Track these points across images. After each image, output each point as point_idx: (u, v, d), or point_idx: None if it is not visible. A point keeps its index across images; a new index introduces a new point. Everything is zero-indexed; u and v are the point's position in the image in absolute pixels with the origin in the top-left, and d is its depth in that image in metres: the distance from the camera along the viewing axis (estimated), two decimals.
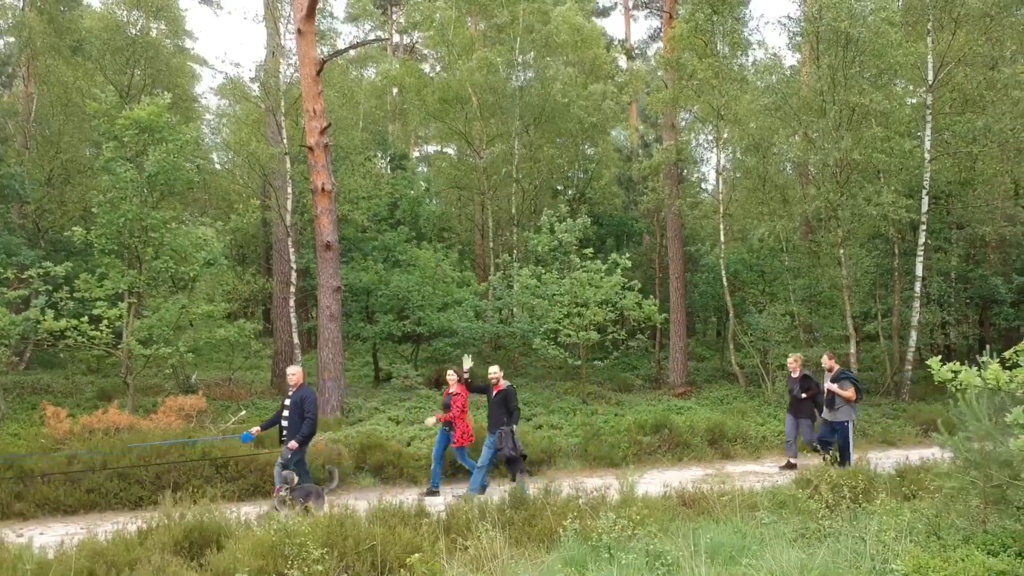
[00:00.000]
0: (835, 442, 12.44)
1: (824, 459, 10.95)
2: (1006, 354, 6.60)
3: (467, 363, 11.80)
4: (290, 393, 10.24)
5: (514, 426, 11.14)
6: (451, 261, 23.80)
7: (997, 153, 20.59)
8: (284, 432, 10.04)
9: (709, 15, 21.73)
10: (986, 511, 6.67)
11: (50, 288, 15.57)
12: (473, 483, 11.18)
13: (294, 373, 10.36)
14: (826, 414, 12.79)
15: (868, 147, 17.82)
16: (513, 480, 11.08)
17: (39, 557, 7.01)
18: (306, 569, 6.05)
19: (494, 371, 11.48)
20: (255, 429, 10.49)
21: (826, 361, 12.83)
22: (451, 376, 11.84)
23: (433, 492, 11.44)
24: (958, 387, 6.39)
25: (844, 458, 11.98)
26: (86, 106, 18.42)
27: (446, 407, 11.62)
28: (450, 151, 38.24)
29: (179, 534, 7.50)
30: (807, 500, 7.99)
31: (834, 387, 12.36)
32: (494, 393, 11.30)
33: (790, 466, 13.14)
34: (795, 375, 13.60)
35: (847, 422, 12.37)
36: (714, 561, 6.36)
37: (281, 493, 9.57)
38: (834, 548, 6.52)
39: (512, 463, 11.13)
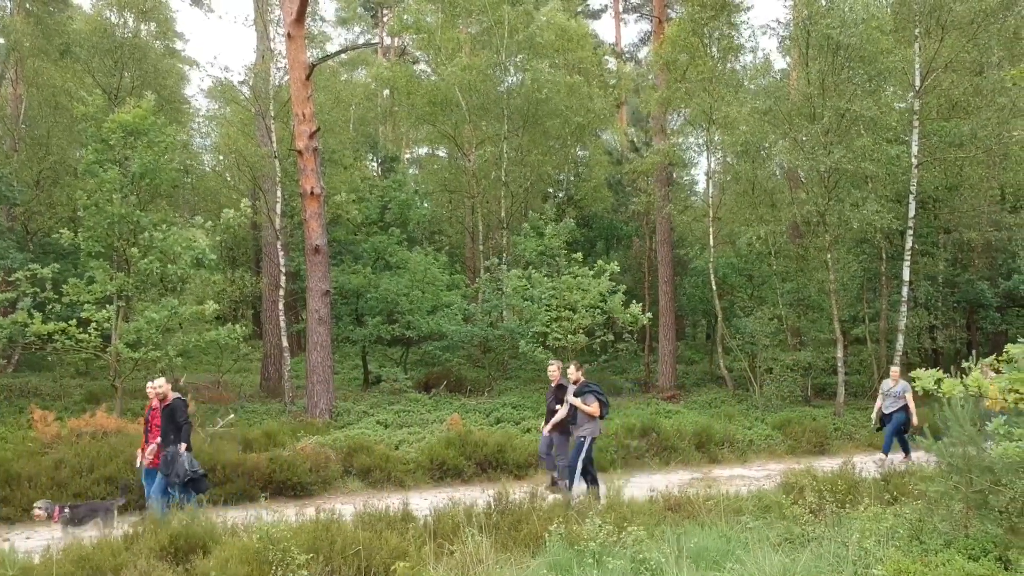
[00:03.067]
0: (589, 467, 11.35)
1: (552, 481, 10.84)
2: (987, 360, 6.67)
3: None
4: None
5: (182, 444, 9.76)
6: (440, 264, 23.80)
7: (983, 159, 20.72)
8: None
9: (708, 18, 21.81)
10: (968, 516, 6.73)
11: (37, 291, 15.51)
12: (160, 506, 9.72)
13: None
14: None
15: (857, 156, 17.91)
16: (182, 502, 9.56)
17: (24, 562, 7.01)
18: (291, 574, 6.07)
19: (159, 383, 10.12)
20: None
21: (572, 372, 11.56)
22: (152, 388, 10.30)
23: None
24: (940, 394, 6.46)
25: (570, 475, 10.96)
26: (74, 109, 18.38)
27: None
28: (441, 154, 38.29)
29: (165, 539, 7.50)
30: (792, 505, 8.03)
31: (576, 401, 11.07)
32: (161, 407, 9.98)
33: (553, 482, 11.59)
34: (555, 384, 12.14)
35: (584, 439, 11.00)
36: (699, 566, 6.40)
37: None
38: (817, 553, 6.57)
39: (194, 484, 9.78)
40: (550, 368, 12.02)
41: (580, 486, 10.83)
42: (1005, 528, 6.34)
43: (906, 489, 8.94)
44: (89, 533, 8.69)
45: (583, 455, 10.86)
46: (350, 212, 22.18)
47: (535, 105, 25.73)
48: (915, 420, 14.06)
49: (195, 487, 9.77)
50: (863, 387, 22.26)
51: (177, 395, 10.10)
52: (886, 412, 14.58)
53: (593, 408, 10.95)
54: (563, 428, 11.56)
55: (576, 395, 11.13)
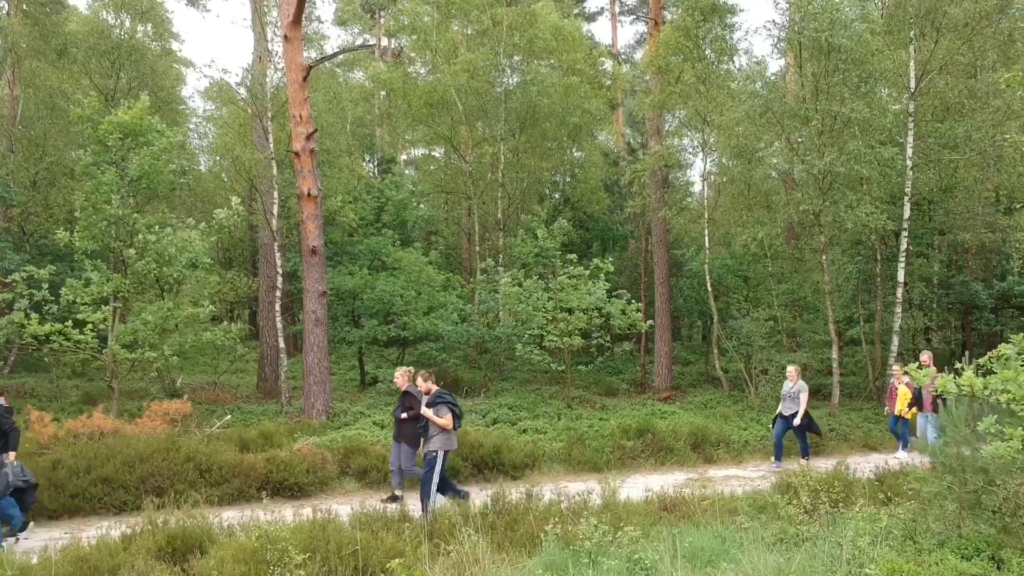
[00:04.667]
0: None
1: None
2: (980, 360, 6.72)
3: None
4: None
5: (10, 453, 9.32)
6: (436, 264, 23.83)
7: (977, 161, 20.78)
8: None
9: (699, 21, 21.88)
10: (961, 516, 6.78)
11: (33, 292, 15.53)
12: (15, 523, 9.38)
13: None
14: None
15: (850, 159, 17.97)
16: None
17: (22, 562, 7.03)
18: (288, 574, 6.11)
19: None
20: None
21: (421, 383, 11.06)
22: None
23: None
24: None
25: (424, 493, 10.25)
26: (70, 111, 18.40)
27: None
28: (437, 155, 38.31)
29: (162, 540, 7.53)
30: (786, 505, 8.08)
31: (428, 412, 10.45)
32: None
33: (393, 499, 11.18)
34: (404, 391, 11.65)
35: (435, 453, 10.34)
36: (693, 565, 6.44)
37: None
38: (811, 553, 6.61)
39: (20, 495, 9.37)
40: (397, 374, 11.58)
41: (441, 500, 10.17)
42: (998, 528, 6.40)
43: (901, 489, 8.99)
44: None
45: (437, 469, 10.23)
46: (347, 216, 22.20)
47: (532, 107, 25.78)
48: (797, 421, 14.22)
49: (22, 498, 9.35)
50: (858, 388, 22.31)
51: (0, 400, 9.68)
52: (785, 415, 14.53)
53: (445, 420, 10.33)
54: (413, 439, 11.23)
55: (428, 406, 10.53)
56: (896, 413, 15.31)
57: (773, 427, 14.89)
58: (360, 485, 12.58)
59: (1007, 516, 6.34)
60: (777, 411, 14.84)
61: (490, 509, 8.93)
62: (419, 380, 11.04)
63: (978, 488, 6.58)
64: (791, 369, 14.88)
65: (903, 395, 15.00)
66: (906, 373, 14.94)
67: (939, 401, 13.84)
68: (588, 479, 12.60)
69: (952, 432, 6.82)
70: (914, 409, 14.83)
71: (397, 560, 6.14)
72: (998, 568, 5.90)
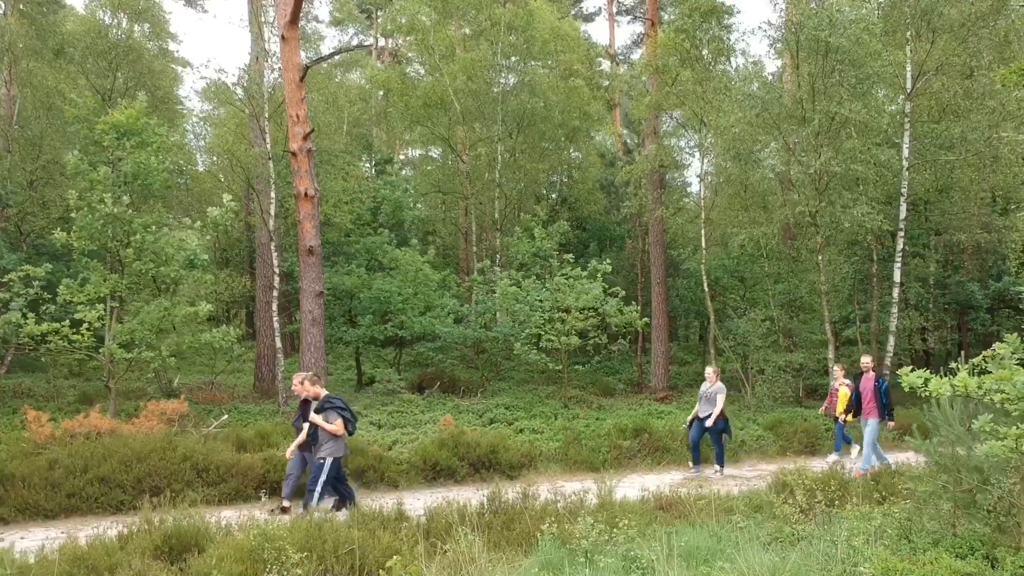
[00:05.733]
0: (341, 487, 10.22)
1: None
2: (974, 360, 6.75)
3: None
4: None
5: None
6: (433, 263, 23.82)
7: (973, 161, 20.85)
8: None
9: (699, 22, 21.91)
10: (956, 515, 6.80)
11: (29, 292, 15.52)
12: None
13: None
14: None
15: (847, 159, 18.01)
16: None
17: (20, 562, 7.03)
18: (285, 573, 6.12)
19: None
20: None
21: (308, 387, 10.43)
22: None
23: None
24: (929, 394, 6.51)
25: (307, 499, 9.73)
26: (66, 111, 18.39)
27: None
28: (435, 155, 38.32)
29: (159, 539, 7.53)
30: (782, 504, 8.10)
31: (318, 419, 9.91)
32: None
33: (283, 510, 10.29)
34: (301, 399, 10.86)
35: (324, 460, 9.79)
36: (689, 564, 6.46)
37: None
38: (806, 552, 6.63)
39: None
40: (294, 381, 10.80)
41: (327, 503, 9.69)
42: (992, 527, 6.41)
43: (895, 489, 9.01)
44: None
45: (323, 478, 9.71)
46: (343, 216, 22.21)
47: (529, 108, 25.80)
48: (710, 422, 13.38)
49: None
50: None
51: None
52: (701, 416, 13.70)
53: (335, 426, 9.86)
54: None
55: (317, 411, 10.02)
56: (836, 415, 15.09)
57: (689, 429, 14.14)
58: (357, 485, 12.56)
59: (1001, 515, 6.35)
60: (693, 412, 14.06)
61: (487, 508, 8.94)
62: (306, 384, 10.45)
63: (973, 487, 6.60)
64: (710, 370, 14.13)
65: (843, 396, 14.77)
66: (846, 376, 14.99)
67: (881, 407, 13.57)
68: (584, 479, 12.62)
69: (947, 431, 6.84)
70: (850, 415, 14.56)
71: (396, 557, 6.15)
72: (992, 567, 5.92)
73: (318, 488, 9.66)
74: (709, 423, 13.48)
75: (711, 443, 13.83)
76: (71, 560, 6.97)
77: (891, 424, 13.94)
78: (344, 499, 10.02)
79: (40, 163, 25.00)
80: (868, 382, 13.79)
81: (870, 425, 13.51)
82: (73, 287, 15.97)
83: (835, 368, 16.23)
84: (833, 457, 14.92)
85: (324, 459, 9.79)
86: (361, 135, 31.86)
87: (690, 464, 13.97)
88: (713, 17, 22.16)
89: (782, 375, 20.46)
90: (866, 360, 14.37)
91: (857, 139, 18.70)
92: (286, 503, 10.38)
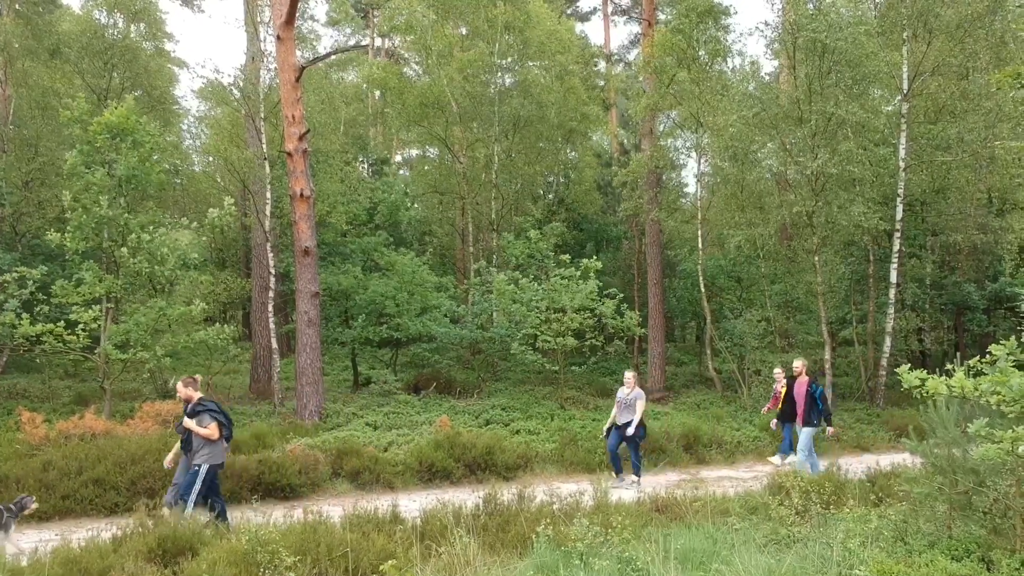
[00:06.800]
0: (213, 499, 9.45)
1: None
2: (970, 362, 6.74)
3: None
4: None
5: None
6: (429, 265, 23.80)
7: (970, 162, 20.86)
8: None
9: (696, 23, 21.92)
10: (952, 517, 6.78)
11: (23, 293, 15.47)
12: None
13: None
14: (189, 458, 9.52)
15: (843, 159, 18.01)
16: None
17: (12, 564, 7.00)
18: None
19: None
20: None
21: (181, 389, 9.70)
22: None
23: None
24: (925, 395, 6.50)
25: (181, 508, 8.94)
26: (60, 114, 18.35)
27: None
28: (431, 155, 38.27)
29: (153, 541, 7.50)
30: (778, 506, 8.08)
31: (191, 423, 9.27)
32: None
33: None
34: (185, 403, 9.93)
35: (199, 467, 9.14)
36: (684, 567, 6.44)
37: None
38: (802, 554, 6.61)
39: None
40: (179, 385, 9.81)
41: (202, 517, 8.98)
42: (988, 529, 6.40)
43: (892, 490, 9.00)
44: None
45: (198, 486, 9.04)
46: (339, 217, 22.18)
47: (526, 108, 25.77)
48: (630, 431, 12.67)
49: None
50: (851, 389, 22.37)
51: None
52: (619, 424, 13.00)
53: (210, 431, 9.23)
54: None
55: (190, 416, 9.36)
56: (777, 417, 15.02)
57: (606, 437, 13.51)
58: (352, 486, 12.58)
59: (997, 517, 6.35)
60: (610, 419, 13.32)
61: (482, 510, 8.92)
62: (179, 386, 9.73)
63: (968, 489, 6.59)
64: (629, 375, 13.34)
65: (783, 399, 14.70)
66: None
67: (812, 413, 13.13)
68: (580, 480, 12.62)
69: (943, 433, 6.82)
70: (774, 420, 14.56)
71: (390, 562, 6.13)
72: (988, 569, 5.91)
73: (192, 497, 9.02)
74: (630, 431, 12.79)
75: (628, 451, 13.19)
76: (64, 563, 6.95)
77: (831, 431, 13.82)
78: (215, 513, 9.25)
79: (36, 163, 24.91)
80: (801, 387, 13.43)
81: (804, 432, 13.16)
82: (68, 288, 15.94)
83: (776, 370, 16.19)
84: (777, 459, 14.88)
85: (199, 466, 9.16)
86: (357, 135, 31.82)
87: (613, 473, 13.25)
88: (710, 17, 22.18)
89: None
90: (797, 364, 13.86)
91: (854, 140, 18.68)
92: (166, 511, 9.20)
